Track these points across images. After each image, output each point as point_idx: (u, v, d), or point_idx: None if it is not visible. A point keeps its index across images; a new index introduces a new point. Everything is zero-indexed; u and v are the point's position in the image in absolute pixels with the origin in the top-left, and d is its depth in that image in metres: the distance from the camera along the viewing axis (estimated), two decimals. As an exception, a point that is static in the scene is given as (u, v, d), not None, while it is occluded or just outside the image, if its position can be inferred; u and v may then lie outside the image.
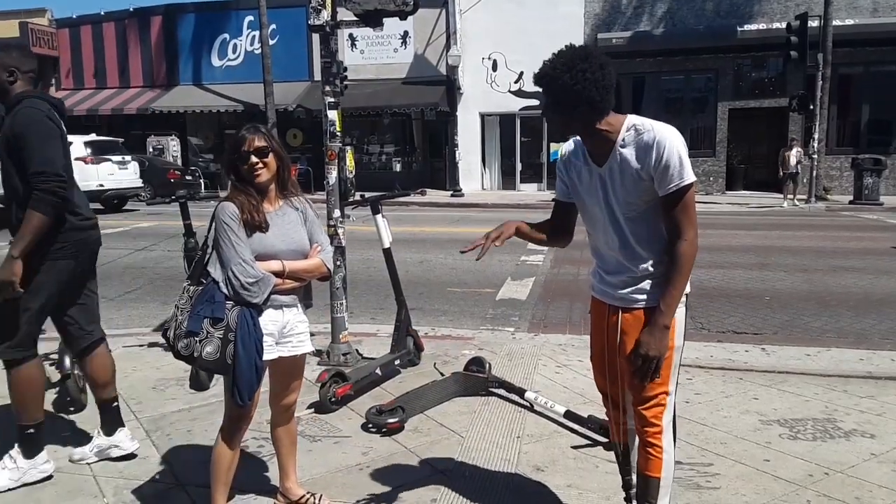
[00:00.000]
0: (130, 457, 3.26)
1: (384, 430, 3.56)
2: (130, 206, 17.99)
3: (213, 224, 2.50)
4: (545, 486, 2.99)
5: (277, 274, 2.49)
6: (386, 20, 4.58)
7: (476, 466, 3.18)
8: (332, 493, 2.91)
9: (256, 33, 22.02)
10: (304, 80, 22.51)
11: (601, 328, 2.36)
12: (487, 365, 4.23)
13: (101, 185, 16.39)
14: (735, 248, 10.17)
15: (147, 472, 3.14)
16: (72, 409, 3.89)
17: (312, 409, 3.87)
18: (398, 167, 23.44)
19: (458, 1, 21.23)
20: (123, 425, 3.31)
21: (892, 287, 7.42)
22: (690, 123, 20.14)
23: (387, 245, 4.61)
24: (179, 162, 22.25)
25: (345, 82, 4.74)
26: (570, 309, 6.68)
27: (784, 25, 17.48)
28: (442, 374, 4.35)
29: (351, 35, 21.68)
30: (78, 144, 16.48)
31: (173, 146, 22.37)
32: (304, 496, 2.79)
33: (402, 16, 4.49)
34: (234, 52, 23.82)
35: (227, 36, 23.84)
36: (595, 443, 3.37)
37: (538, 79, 2.14)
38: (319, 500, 2.79)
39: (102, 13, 24.86)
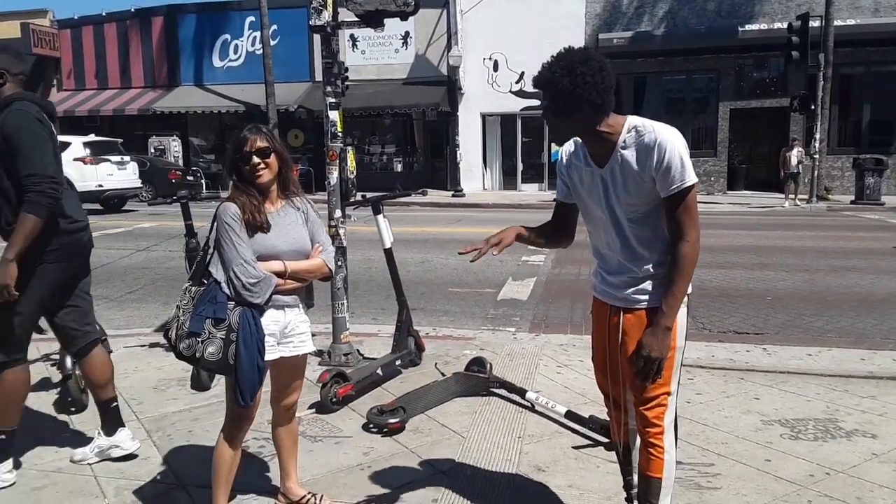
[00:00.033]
0: (131, 457, 3.27)
1: (385, 430, 3.56)
2: (130, 207, 18.00)
3: (215, 224, 2.50)
4: (546, 486, 2.99)
5: (279, 274, 2.49)
6: (387, 20, 4.58)
7: (477, 467, 3.18)
8: (333, 493, 2.91)
9: (258, 34, 22.04)
10: (305, 81, 22.52)
11: (603, 329, 2.36)
12: (488, 365, 4.23)
13: (101, 186, 16.42)
14: (736, 248, 10.16)
15: (148, 473, 3.15)
16: (73, 409, 3.90)
17: (314, 410, 3.87)
18: (399, 167, 23.44)
19: (460, 1, 21.24)
20: (124, 425, 3.31)
21: (893, 287, 7.41)
22: (692, 123, 20.14)
23: (388, 245, 4.61)
24: (181, 162, 22.26)
25: (346, 83, 4.74)
26: (572, 309, 6.68)
27: (785, 25, 17.48)
28: (443, 375, 4.35)
29: (352, 35, 21.68)
30: (77, 145, 16.53)
31: (175, 147, 22.38)
32: (304, 496, 2.79)
33: (404, 16, 4.49)
34: (235, 52, 23.83)
35: (228, 36, 23.85)
36: (596, 443, 3.37)
37: (538, 83, 2.13)
38: (320, 500, 2.79)
39: (104, 14, 24.87)
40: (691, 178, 2.08)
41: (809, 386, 4.19)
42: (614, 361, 2.33)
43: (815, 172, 17.52)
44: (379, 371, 4.27)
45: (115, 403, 3.31)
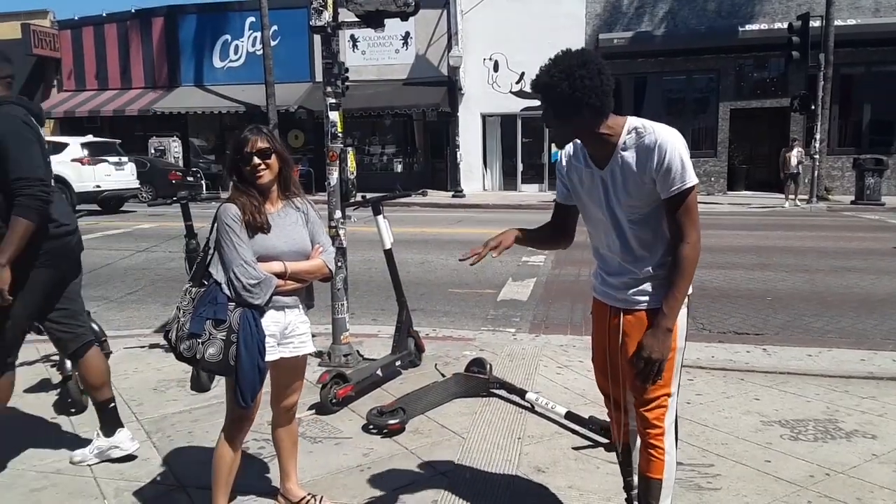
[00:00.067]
0: (131, 458, 3.26)
1: (385, 431, 3.56)
2: (129, 207, 18.01)
3: (215, 225, 2.50)
4: (546, 487, 2.99)
5: (279, 275, 2.49)
6: (387, 21, 4.58)
7: (477, 468, 3.18)
8: (332, 494, 2.91)
9: (258, 34, 22.05)
10: (305, 81, 22.52)
11: (603, 330, 2.36)
12: (488, 366, 4.23)
13: (98, 186, 16.42)
14: (736, 248, 10.16)
15: (148, 474, 3.15)
16: (73, 410, 3.89)
17: (313, 411, 3.87)
18: (399, 168, 23.45)
19: (460, 2, 21.25)
20: (123, 426, 3.31)
21: (893, 287, 7.41)
22: (692, 124, 20.15)
23: (388, 246, 4.61)
24: (181, 163, 22.27)
25: (346, 83, 4.74)
26: (572, 310, 6.68)
27: (785, 25, 17.48)
28: (443, 375, 4.34)
29: (352, 36, 21.69)
30: (74, 146, 16.54)
31: (175, 147, 22.38)
32: (304, 497, 2.79)
33: (404, 17, 4.49)
34: (235, 53, 23.84)
35: (228, 37, 23.86)
36: (596, 444, 3.37)
37: (536, 87, 2.11)
38: (320, 501, 2.79)
39: (104, 14, 24.88)
40: (692, 179, 2.08)
41: (809, 386, 4.19)
42: (614, 362, 2.33)
43: (816, 173, 17.52)
44: (379, 372, 4.27)
45: (112, 404, 3.30)
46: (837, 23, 17.56)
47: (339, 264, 4.60)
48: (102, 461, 3.23)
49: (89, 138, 17.58)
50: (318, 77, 18.45)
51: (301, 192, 2.69)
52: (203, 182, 20.89)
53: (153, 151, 21.95)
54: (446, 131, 22.21)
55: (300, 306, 2.64)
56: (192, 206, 5.15)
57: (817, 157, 17.48)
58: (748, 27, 19.35)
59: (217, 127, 24.46)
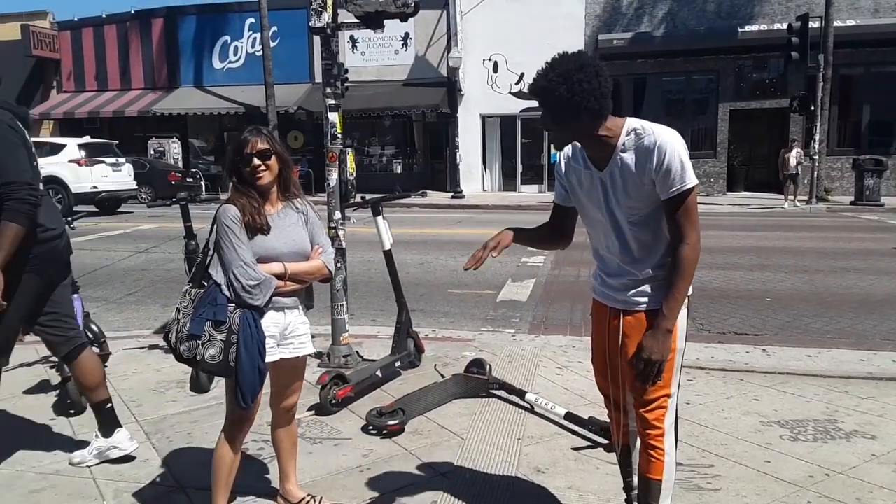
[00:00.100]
0: (130, 458, 3.26)
1: (384, 432, 3.55)
2: (126, 208, 18.00)
3: (215, 226, 2.50)
4: (546, 488, 2.99)
5: (279, 276, 2.49)
6: (387, 22, 4.58)
7: (476, 468, 3.18)
8: (332, 495, 2.91)
9: (257, 35, 22.05)
10: (305, 82, 22.52)
11: (602, 330, 2.36)
12: (488, 367, 4.23)
13: (95, 187, 16.42)
14: (736, 249, 10.17)
15: (147, 475, 3.14)
16: (72, 411, 3.89)
17: (313, 411, 3.87)
18: (399, 169, 23.45)
19: (459, 2, 21.25)
20: (121, 426, 3.30)
21: (893, 288, 7.41)
22: (691, 124, 20.16)
23: (387, 247, 4.61)
24: (180, 164, 22.28)
25: (346, 84, 4.75)
26: (571, 310, 6.68)
27: (785, 26, 17.49)
28: (442, 376, 4.34)
29: (352, 37, 21.69)
30: (72, 146, 16.54)
31: (174, 148, 22.39)
32: (304, 498, 2.79)
33: (403, 17, 4.49)
34: (235, 54, 23.84)
35: (228, 38, 23.86)
36: (596, 444, 3.37)
37: (533, 91, 2.09)
38: (319, 502, 2.78)
39: (104, 15, 24.86)
40: (691, 180, 2.08)
41: (809, 387, 4.19)
42: (614, 364, 2.33)
43: (815, 173, 17.53)
44: (378, 373, 4.27)
45: (109, 405, 3.30)
46: (837, 23, 17.57)
47: (339, 265, 4.60)
48: (102, 462, 3.23)
49: (86, 139, 17.58)
50: (318, 78, 18.39)
51: (301, 193, 2.70)
52: (202, 183, 20.90)
53: (152, 152, 21.95)
54: (446, 132, 22.21)
55: (300, 307, 2.64)
56: (192, 207, 5.14)
57: (816, 157, 17.48)
58: (747, 28, 19.36)
59: (216, 128, 24.46)
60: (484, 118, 22.03)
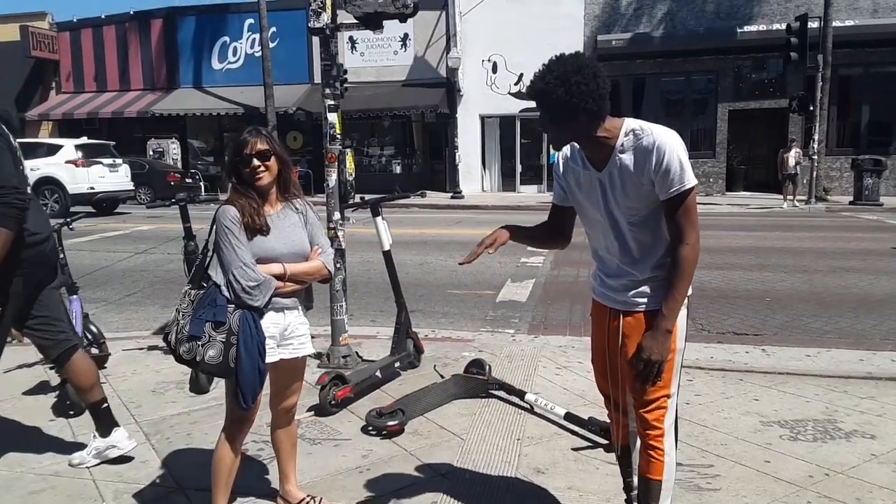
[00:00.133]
0: (129, 458, 3.26)
1: (384, 432, 3.55)
2: (125, 209, 17.99)
3: (214, 227, 2.50)
4: (545, 488, 2.99)
5: (278, 277, 2.49)
6: (386, 22, 4.59)
7: (476, 469, 3.18)
8: (331, 496, 2.91)
9: (257, 36, 22.05)
10: (304, 83, 22.53)
11: (602, 331, 2.36)
12: (487, 367, 4.23)
13: (92, 188, 16.41)
14: (735, 249, 10.17)
15: (147, 476, 3.14)
16: (71, 413, 3.88)
17: (312, 412, 3.87)
18: (398, 169, 23.45)
19: (459, 3, 21.25)
20: (118, 425, 3.30)
21: (892, 288, 7.41)
22: (691, 125, 20.18)
23: (387, 247, 4.61)
24: (179, 165, 22.28)
25: (345, 85, 4.75)
26: (571, 311, 6.68)
27: (784, 27, 17.51)
28: (442, 377, 4.34)
29: (351, 38, 21.70)
30: (68, 147, 16.54)
31: (173, 149, 22.39)
32: (303, 499, 2.79)
33: (403, 18, 4.49)
34: (234, 54, 23.84)
35: (227, 39, 23.86)
36: (596, 445, 3.37)
37: (531, 93, 2.09)
38: (319, 502, 2.78)
39: (103, 16, 24.85)
40: (691, 180, 2.08)
41: (808, 387, 4.19)
42: (614, 364, 2.33)
43: (814, 173, 17.54)
44: (378, 373, 4.27)
45: (105, 404, 3.29)
46: (836, 24, 17.59)
47: (338, 266, 4.60)
48: (101, 462, 3.22)
49: (83, 140, 17.57)
50: (317, 79, 18.40)
51: (300, 194, 2.70)
52: (201, 184, 20.90)
53: (152, 153, 21.95)
54: (445, 133, 22.21)
55: (299, 308, 2.64)
56: (191, 207, 5.14)
57: (815, 157, 17.50)
58: (746, 28, 19.38)
59: (216, 129, 24.45)
60: (483, 118, 22.04)
